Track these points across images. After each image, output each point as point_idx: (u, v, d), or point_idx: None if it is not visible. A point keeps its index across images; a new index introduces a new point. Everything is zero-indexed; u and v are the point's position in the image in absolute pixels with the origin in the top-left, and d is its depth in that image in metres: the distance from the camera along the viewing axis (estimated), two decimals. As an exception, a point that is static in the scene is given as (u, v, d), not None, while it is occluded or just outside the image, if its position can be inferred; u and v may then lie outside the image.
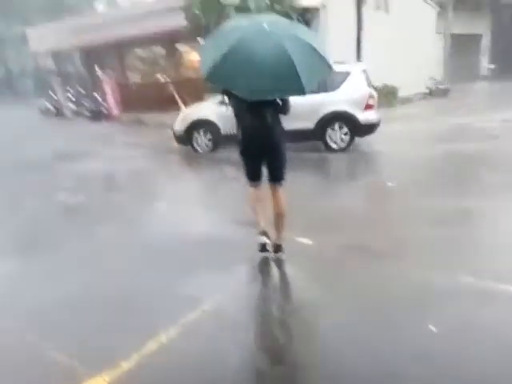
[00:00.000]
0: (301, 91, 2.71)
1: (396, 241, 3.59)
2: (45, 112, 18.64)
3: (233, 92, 2.88)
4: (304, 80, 2.66)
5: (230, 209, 4.70)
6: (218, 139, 7.83)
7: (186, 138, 8.08)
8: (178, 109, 9.85)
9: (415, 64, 16.26)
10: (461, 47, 21.91)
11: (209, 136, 7.96)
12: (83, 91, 20.14)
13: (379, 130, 7.61)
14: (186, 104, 12.36)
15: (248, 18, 3.20)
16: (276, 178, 3.23)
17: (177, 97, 10.97)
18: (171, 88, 11.75)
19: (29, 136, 12.06)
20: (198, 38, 10.73)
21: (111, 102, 15.70)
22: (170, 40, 16.53)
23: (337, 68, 7.13)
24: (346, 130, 7.28)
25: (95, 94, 17.89)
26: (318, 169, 6.85)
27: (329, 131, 7.30)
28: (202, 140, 8.00)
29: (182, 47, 17.02)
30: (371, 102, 7.21)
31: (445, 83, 18.37)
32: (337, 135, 7.35)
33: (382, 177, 5.85)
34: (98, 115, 16.03)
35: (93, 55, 22.80)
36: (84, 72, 24.46)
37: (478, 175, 5.70)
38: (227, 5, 10.33)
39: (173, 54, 18.05)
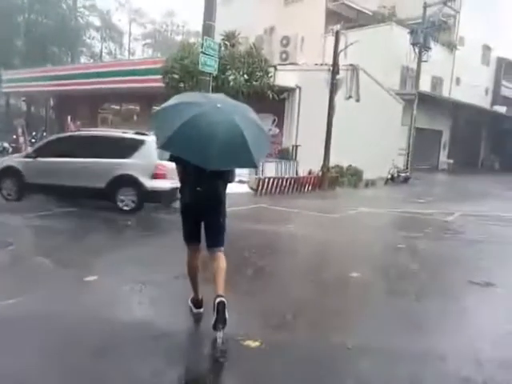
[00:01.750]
0: (251, 163, 2.98)
1: (355, 349, 3.12)
2: (1, 151, 17.79)
3: (186, 160, 2.93)
4: (254, 153, 2.85)
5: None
6: (23, 187, 8.20)
7: None
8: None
9: (380, 150, 16.99)
10: (423, 140, 23.33)
11: (14, 184, 8.28)
12: (47, 135, 19.63)
13: (336, 210, 8.14)
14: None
15: (201, 95, 3.36)
16: (216, 243, 3.28)
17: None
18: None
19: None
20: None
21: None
22: (145, 98, 16.63)
23: (134, 137, 7.92)
24: (133, 193, 7.65)
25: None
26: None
27: (119, 193, 7.63)
28: (8, 187, 8.34)
29: (156, 107, 17.13)
30: (160, 171, 7.50)
31: (406, 171, 19.19)
32: (126, 197, 7.67)
33: (344, 268, 5.42)
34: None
35: (66, 103, 22.70)
36: (53, 117, 24.16)
37: (444, 275, 5.32)
38: (207, 74, 10.47)
39: (147, 112, 18.11)
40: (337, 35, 14.45)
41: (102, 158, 7.65)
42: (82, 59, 39.42)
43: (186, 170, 3.18)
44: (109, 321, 3.29)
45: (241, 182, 12.41)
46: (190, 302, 3.50)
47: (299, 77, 14.60)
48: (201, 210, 3.22)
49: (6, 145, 18.19)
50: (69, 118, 19.01)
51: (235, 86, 12.02)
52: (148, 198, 7.66)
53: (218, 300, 2.96)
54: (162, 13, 48.14)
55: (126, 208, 7.61)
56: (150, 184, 7.50)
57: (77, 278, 4.14)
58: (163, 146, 2.92)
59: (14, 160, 8.66)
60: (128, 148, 7.72)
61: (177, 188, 7.35)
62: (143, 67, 16.49)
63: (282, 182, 12.51)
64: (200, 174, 2.95)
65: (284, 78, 13.93)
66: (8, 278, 4.08)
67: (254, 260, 5.37)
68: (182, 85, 12.12)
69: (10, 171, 8.30)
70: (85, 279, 4.10)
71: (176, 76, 12.20)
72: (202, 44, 10.22)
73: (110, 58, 41.25)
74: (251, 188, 12.29)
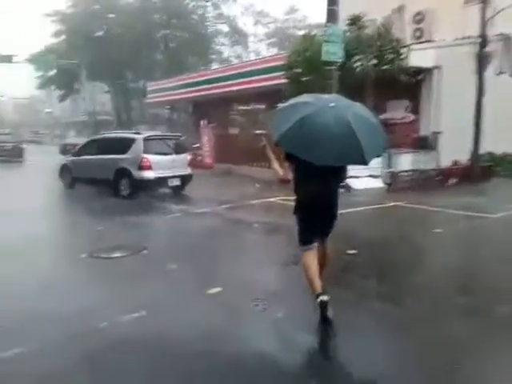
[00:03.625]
0: (362, 161, 2.97)
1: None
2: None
3: (299, 157, 3.04)
4: (366, 150, 2.90)
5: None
6: (71, 179, 10.79)
7: (59, 175, 11.25)
8: (269, 163, 9.42)
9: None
10: None
11: (67, 177, 10.93)
12: (187, 140, 21.20)
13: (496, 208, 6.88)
14: (278, 159, 11.99)
15: (316, 96, 3.40)
16: (328, 232, 3.45)
17: (268, 151, 10.58)
18: (265, 142, 11.40)
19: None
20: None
21: (207, 151, 16.06)
22: (270, 97, 16.64)
23: (129, 136, 9.83)
24: (128, 182, 9.25)
25: (195, 144, 18.65)
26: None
27: (121, 182, 9.32)
28: (64, 177, 11.05)
29: (280, 104, 17.02)
30: (145, 163, 9.07)
31: None
32: (124, 186, 9.35)
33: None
34: (192, 162, 16.50)
35: (201, 108, 24.34)
36: (190, 122, 26.16)
37: None
38: (331, 63, 9.82)
39: (272, 110, 18.15)
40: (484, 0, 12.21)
41: (110, 154, 9.60)
42: (214, 65, 42.11)
43: (299, 168, 3.28)
44: (223, 351, 2.93)
45: (372, 176, 11.41)
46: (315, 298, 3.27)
47: (437, 55, 12.78)
48: (317, 206, 3.30)
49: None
50: (202, 122, 20.24)
51: (363, 73, 11.04)
52: (138, 186, 9.25)
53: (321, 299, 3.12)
54: (284, 10, 48.50)
55: (124, 194, 9.30)
56: (138, 174, 9.12)
57: (200, 290, 3.96)
58: (277, 142, 3.07)
59: (67, 159, 11.44)
60: (125, 146, 9.46)
61: (161, 178, 9.18)
62: (266, 66, 16.56)
63: (421, 175, 11.08)
64: (313, 171, 3.08)
65: (419, 57, 12.34)
66: (135, 288, 4.11)
67: (397, 280, 4.41)
68: (304, 78, 11.65)
69: (65, 167, 11.10)
70: (208, 292, 3.90)
71: (298, 70, 11.76)
72: (325, 31, 9.60)
73: (237, 61, 43.18)
74: (385, 183, 11.20)
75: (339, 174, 3.37)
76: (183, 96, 23.90)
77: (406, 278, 4.45)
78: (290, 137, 2.97)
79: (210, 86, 20.97)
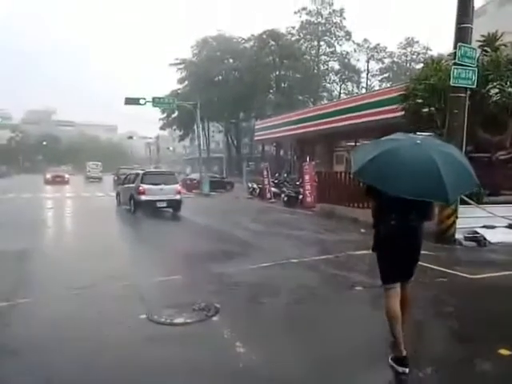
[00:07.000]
0: (444, 198, 2.99)
1: None
2: (250, 192, 19.73)
3: (378, 189, 2.96)
4: (449, 188, 2.80)
5: None
6: (119, 200, 15.31)
7: (116, 198, 16.09)
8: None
9: None
10: None
11: (119, 199, 15.37)
12: (288, 177, 20.63)
13: None
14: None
15: (405, 134, 3.31)
16: (410, 275, 3.31)
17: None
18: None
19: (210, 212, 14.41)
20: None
21: (308, 190, 15.04)
22: (380, 131, 15.10)
23: (138, 171, 15.20)
24: (133, 202, 13.51)
25: (296, 181, 17.87)
26: None
27: (130, 202, 13.60)
28: (117, 199, 15.72)
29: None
30: (140, 190, 13.14)
31: None
32: (131, 205, 13.63)
33: None
34: (292, 201, 15.72)
35: (306, 144, 23.69)
36: (293, 159, 25.64)
37: None
38: (459, 90, 8.17)
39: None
40: None
41: (130, 184, 13.98)
42: (323, 103, 41.73)
43: (379, 203, 3.22)
44: None
45: None
46: (390, 360, 3.19)
47: None
48: (397, 244, 3.19)
49: (254, 186, 20.10)
50: (307, 158, 19.49)
51: (501, 101, 9.05)
52: (136, 204, 13.19)
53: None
54: (401, 44, 46.38)
55: (131, 210, 13.42)
56: (137, 197, 13.18)
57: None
58: (355, 174, 3.10)
59: (118, 187, 16.18)
60: (135, 178, 13.78)
61: (151, 200, 13.55)
62: (378, 99, 15.23)
63: None
64: (393, 206, 3.05)
65: None
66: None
67: None
68: (425, 109, 10.03)
69: (117, 193, 15.95)
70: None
71: (419, 100, 10.17)
72: (455, 53, 8.06)
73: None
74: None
75: (422, 210, 3.19)
76: (288, 133, 23.63)
77: None
78: (368, 169, 2.91)
79: (314, 122, 20.29)
